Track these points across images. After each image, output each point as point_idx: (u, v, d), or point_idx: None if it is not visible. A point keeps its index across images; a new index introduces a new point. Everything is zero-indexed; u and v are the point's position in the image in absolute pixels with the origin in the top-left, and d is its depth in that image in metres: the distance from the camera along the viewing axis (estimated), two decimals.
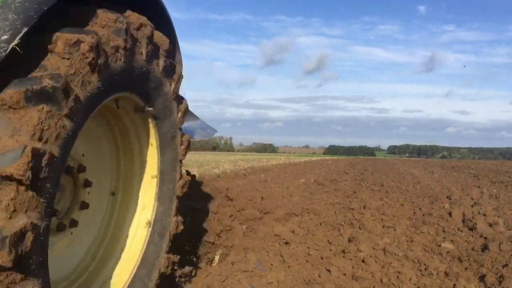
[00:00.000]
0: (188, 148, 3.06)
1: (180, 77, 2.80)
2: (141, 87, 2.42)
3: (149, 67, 2.40)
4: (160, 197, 2.85)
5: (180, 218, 3.03)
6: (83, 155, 2.50)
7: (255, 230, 5.63)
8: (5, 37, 1.56)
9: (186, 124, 4.24)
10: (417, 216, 7.17)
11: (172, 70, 2.72)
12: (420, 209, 7.91)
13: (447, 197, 9.83)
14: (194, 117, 4.57)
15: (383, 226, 6.20)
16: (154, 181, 2.82)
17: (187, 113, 3.01)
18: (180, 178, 3.02)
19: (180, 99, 2.88)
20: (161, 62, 2.52)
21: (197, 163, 29.27)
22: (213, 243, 4.67)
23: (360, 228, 6.00)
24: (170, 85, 2.69)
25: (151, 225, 2.82)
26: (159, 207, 2.86)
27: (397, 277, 3.95)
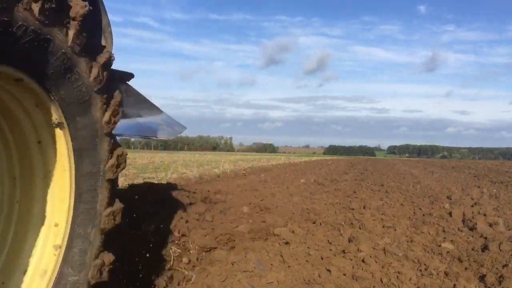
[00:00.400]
0: (116, 114, 2.35)
1: (80, 18, 1.97)
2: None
3: (6, 17, 1.63)
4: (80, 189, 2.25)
5: (116, 208, 2.39)
6: None
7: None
8: None
9: (147, 119, 3.68)
10: (417, 216, 7.18)
11: (66, 14, 1.92)
12: (420, 209, 7.91)
13: (447, 197, 9.83)
14: (158, 110, 3.90)
15: (383, 226, 6.20)
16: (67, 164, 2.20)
17: (109, 67, 2.27)
18: (110, 157, 2.34)
19: (94, 53, 2.15)
20: (35, 6, 1.74)
21: (197, 163, 29.32)
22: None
23: (360, 228, 6.00)
24: (66, 36, 1.93)
25: (67, 236, 2.22)
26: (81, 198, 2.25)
27: (397, 277, 3.95)
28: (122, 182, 12.25)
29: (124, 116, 3.26)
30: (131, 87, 3.57)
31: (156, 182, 9.69)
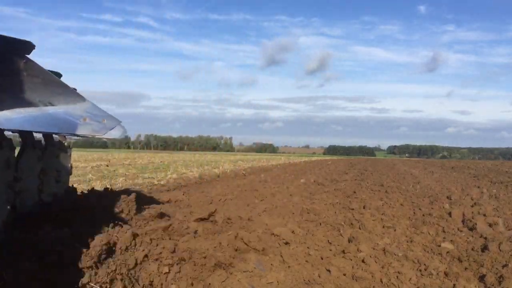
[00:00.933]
0: None
1: None
2: None
3: None
4: None
5: None
6: None
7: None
8: None
9: (62, 109, 2.71)
10: (417, 216, 7.18)
11: None
12: (420, 209, 7.91)
13: (447, 197, 9.83)
14: (78, 98, 2.82)
15: (383, 226, 6.20)
16: None
17: None
18: None
19: None
20: None
21: (197, 163, 29.34)
22: None
23: (360, 228, 6.00)
24: None
25: None
26: None
27: (397, 277, 3.95)
28: (122, 182, 12.27)
29: (25, 103, 2.53)
30: (35, 63, 2.60)
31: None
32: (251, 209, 7.37)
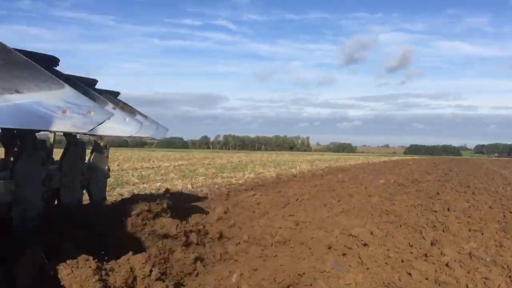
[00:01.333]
0: None
1: None
2: None
3: None
4: None
5: None
6: None
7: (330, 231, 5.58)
8: None
9: (31, 98, 2.05)
10: (507, 220, 6.74)
11: None
12: (510, 212, 7.43)
13: None
14: (54, 83, 2.13)
15: (469, 230, 5.90)
16: None
17: None
18: None
19: None
20: None
21: (274, 163, 29.60)
22: None
23: (443, 231, 5.76)
24: None
25: None
26: None
27: (484, 283, 3.75)
28: (202, 181, 12.69)
29: None
30: None
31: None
32: (328, 210, 7.33)
